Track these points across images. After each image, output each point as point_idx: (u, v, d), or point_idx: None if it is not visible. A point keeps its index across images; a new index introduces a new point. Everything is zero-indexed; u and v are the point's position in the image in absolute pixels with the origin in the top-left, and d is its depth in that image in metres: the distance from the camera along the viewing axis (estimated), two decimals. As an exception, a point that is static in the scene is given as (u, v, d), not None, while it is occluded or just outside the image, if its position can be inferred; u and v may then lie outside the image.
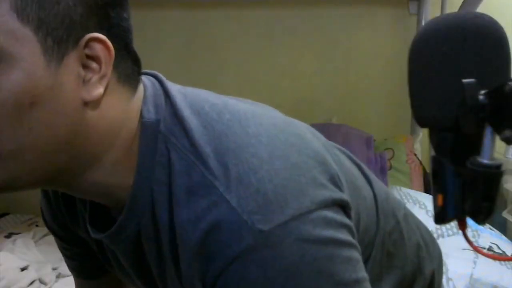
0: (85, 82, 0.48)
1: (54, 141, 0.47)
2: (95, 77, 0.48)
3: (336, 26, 2.20)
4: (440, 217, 0.50)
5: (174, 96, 0.54)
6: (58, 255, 1.67)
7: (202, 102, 0.54)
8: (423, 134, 2.10)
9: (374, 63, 2.20)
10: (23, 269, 1.51)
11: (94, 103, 0.49)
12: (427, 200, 1.55)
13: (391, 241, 0.69)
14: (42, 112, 0.45)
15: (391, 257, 0.69)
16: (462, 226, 0.51)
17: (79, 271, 0.82)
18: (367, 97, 2.20)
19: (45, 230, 1.88)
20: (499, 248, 1.33)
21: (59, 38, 0.45)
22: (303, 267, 0.47)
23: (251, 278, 0.46)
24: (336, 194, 0.53)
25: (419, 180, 1.95)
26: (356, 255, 0.53)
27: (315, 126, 2.01)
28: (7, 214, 2.15)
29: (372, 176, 0.74)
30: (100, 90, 0.48)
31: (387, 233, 0.69)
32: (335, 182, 0.55)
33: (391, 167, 1.98)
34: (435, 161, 0.51)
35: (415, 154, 2.02)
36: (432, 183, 0.51)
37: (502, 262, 1.24)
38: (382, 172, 1.95)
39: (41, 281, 1.47)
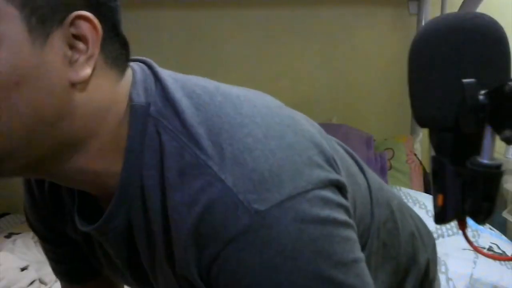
0: (71, 62, 0.46)
1: (40, 122, 0.45)
2: (82, 58, 0.47)
3: (336, 26, 2.19)
4: (440, 217, 0.50)
5: (165, 80, 0.53)
6: (58, 255, 1.67)
7: (194, 86, 0.53)
8: (423, 134, 2.10)
9: (374, 63, 2.20)
10: (23, 269, 1.51)
11: (81, 85, 0.47)
12: (427, 200, 1.56)
13: (385, 231, 0.68)
14: (28, 92, 0.44)
15: (386, 246, 0.69)
16: (462, 226, 0.51)
17: (67, 275, 0.78)
18: (367, 97, 2.20)
19: (45, 230, 1.88)
20: (499, 248, 1.33)
21: (44, 16, 0.44)
22: (301, 247, 0.46)
23: (248, 260, 0.45)
24: (333, 175, 0.52)
25: (419, 180, 1.95)
26: (354, 235, 0.52)
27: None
28: (7, 214, 2.15)
29: (365, 166, 0.72)
30: (87, 71, 0.47)
31: (382, 223, 0.68)
32: (331, 164, 0.54)
33: (391, 167, 1.98)
34: (435, 161, 0.51)
35: (415, 154, 2.02)
36: (432, 183, 0.51)
37: (502, 262, 1.24)
38: (382, 172, 1.95)
39: (41, 281, 1.47)
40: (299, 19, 2.19)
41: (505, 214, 1.65)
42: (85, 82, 0.47)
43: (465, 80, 0.47)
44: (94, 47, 0.47)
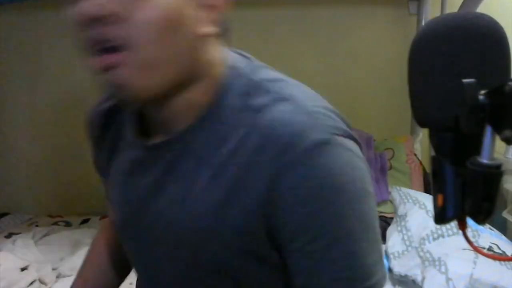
0: (201, 20, 0.59)
1: (182, 57, 0.59)
2: (209, 19, 0.60)
3: (336, 26, 2.19)
4: (440, 217, 0.50)
5: (251, 57, 0.70)
6: (58, 255, 1.67)
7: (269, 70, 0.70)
8: (423, 134, 2.10)
9: (374, 63, 2.20)
10: (23, 269, 1.51)
11: (204, 38, 0.60)
12: (427, 200, 1.56)
13: None
14: (178, 33, 0.57)
15: None
16: (462, 226, 0.51)
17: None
18: (367, 97, 2.20)
19: (45, 230, 1.88)
20: (499, 248, 1.33)
21: None
22: (347, 170, 0.57)
23: (319, 169, 0.56)
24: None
25: (419, 180, 1.95)
26: None
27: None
28: (7, 214, 2.15)
29: None
30: (210, 29, 0.60)
31: None
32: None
33: (391, 167, 1.98)
34: (435, 161, 0.51)
35: (415, 154, 2.02)
36: (432, 183, 0.51)
37: (502, 262, 1.24)
38: (382, 172, 1.95)
39: (41, 281, 1.47)
40: (299, 19, 2.19)
41: (505, 214, 1.65)
42: (206, 37, 0.60)
43: (465, 80, 0.47)
44: (219, 15, 0.61)
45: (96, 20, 0.53)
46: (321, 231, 0.56)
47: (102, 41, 0.54)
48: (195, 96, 0.62)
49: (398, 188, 1.73)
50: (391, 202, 1.73)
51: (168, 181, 0.64)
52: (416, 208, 1.52)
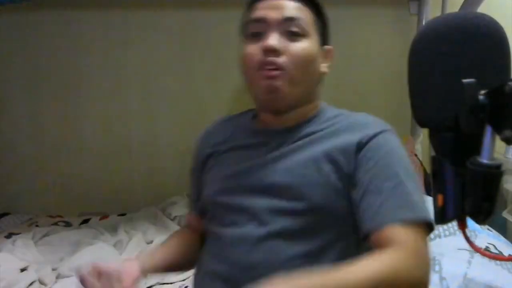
0: (322, 62, 0.95)
1: (310, 83, 0.93)
2: (324, 62, 0.96)
3: (336, 26, 2.19)
4: (440, 217, 0.50)
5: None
6: (58, 255, 1.67)
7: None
8: (423, 134, 2.10)
9: (374, 63, 2.20)
10: (22, 270, 1.51)
11: (321, 75, 0.95)
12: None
13: None
14: (311, 66, 0.92)
15: None
16: (462, 226, 0.51)
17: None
18: (367, 97, 2.20)
19: (44, 230, 1.88)
20: (496, 248, 1.32)
21: (324, 40, 0.97)
22: (398, 143, 0.90)
23: (387, 141, 0.88)
24: None
25: (419, 180, 1.95)
26: None
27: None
28: (7, 214, 2.15)
29: None
30: (325, 69, 0.96)
31: None
32: None
33: (391, 167, 1.97)
34: (435, 161, 0.51)
35: (416, 155, 2.02)
36: (432, 183, 0.51)
37: (497, 262, 1.23)
38: (382, 172, 1.94)
39: (41, 282, 1.47)
40: (299, 19, 2.19)
41: (505, 214, 1.65)
42: (322, 75, 0.96)
43: (465, 80, 0.47)
44: (330, 60, 0.98)
45: (272, 51, 0.88)
46: (390, 174, 0.83)
47: (271, 63, 0.88)
48: (307, 110, 0.94)
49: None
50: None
51: (283, 152, 0.92)
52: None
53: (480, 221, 0.47)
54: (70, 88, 2.24)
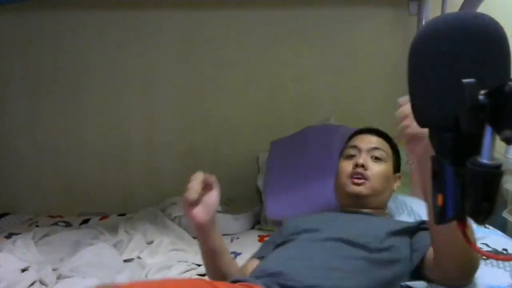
0: (393, 182, 1.40)
1: (385, 194, 1.35)
2: (394, 182, 1.39)
3: (336, 26, 2.19)
4: (440, 217, 0.50)
5: None
6: (58, 255, 1.67)
7: None
8: (423, 134, 2.09)
9: (374, 63, 2.20)
10: (23, 270, 1.51)
11: (392, 191, 1.39)
12: (422, 209, 1.52)
13: None
14: (386, 183, 1.34)
15: None
16: (462, 226, 0.51)
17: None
18: (367, 97, 2.20)
19: (45, 230, 1.88)
20: (488, 246, 1.32)
21: (397, 168, 1.43)
22: None
23: None
24: None
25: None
26: None
27: (314, 126, 1.99)
28: (7, 214, 2.14)
29: None
30: (395, 188, 1.39)
31: None
32: None
33: (391, 167, 1.97)
34: (435, 161, 0.51)
35: (415, 154, 2.01)
36: (432, 183, 0.51)
37: (494, 262, 1.23)
38: (382, 172, 1.94)
39: (42, 282, 1.46)
40: (299, 19, 2.19)
41: (505, 214, 1.65)
42: (393, 190, 1.40)
43: (465, 80, 0.47)
44: (399, 183, 1.45)
45: (361, 166, 1.29)
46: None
47: (360, 173, 1.29)
48: (379, 212, 1.32)
49: (394, 196, 1.70)
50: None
51: (353, 220, 1.24)
52: (411, 220, 1.50)
53: (480, 221, 0.47)
54: (70, 88, 2.24)
